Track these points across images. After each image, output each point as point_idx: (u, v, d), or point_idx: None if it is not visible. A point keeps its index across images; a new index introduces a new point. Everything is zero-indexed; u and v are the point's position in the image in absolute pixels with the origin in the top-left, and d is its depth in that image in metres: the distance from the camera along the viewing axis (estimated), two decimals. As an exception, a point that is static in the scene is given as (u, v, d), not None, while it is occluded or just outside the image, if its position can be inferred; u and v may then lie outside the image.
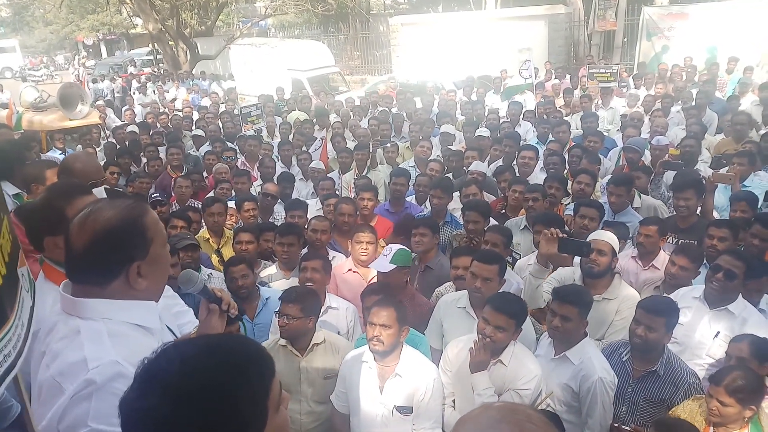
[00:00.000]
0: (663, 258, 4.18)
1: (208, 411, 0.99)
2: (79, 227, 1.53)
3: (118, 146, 8.81)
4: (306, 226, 4.80)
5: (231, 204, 5.64)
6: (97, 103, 13.47)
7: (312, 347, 3.24)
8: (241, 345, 1.13)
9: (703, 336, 3.41)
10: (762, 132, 7.17)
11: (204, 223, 5.20)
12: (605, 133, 8.02)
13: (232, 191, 6.22)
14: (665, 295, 3.72)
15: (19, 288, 1.51)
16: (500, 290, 3.47)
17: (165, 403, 0.98)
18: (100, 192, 2.71)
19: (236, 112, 11.07)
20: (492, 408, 0.96)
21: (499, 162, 6.80)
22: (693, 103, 8.62)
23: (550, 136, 7.82)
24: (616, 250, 3.75)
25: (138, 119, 12.23)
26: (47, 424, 1.41)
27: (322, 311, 3.61)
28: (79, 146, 8.73)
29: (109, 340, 1.46)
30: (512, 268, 4.60)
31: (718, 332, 3.38)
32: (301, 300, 3.20)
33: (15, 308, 1.38)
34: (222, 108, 12.71)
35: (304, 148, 8.21)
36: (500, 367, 2.98)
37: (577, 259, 3.90)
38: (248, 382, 1.05)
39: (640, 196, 5.29)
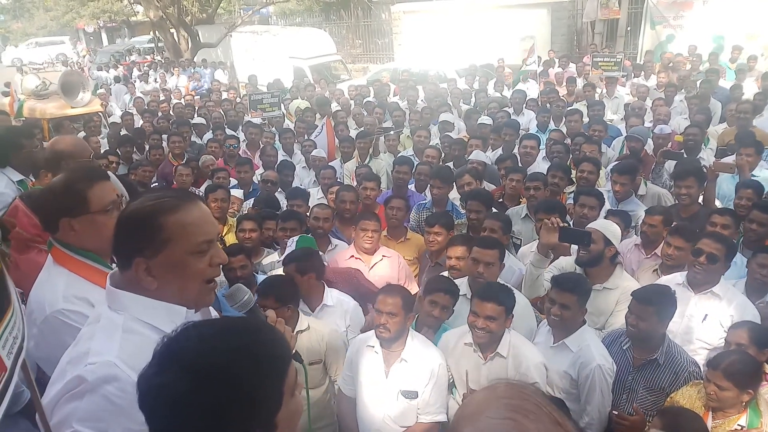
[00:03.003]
0: (666, 246, 4.21)
1: (224, 391, 1.00)
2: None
3: (121, 134, 8.81)
4: (308, 214, 4.81)
5: (233, 192, 5.65)
6: (99, 91, 13.43)
7: (296, 335, 3.25)
8: (258, 329, 1.14)
9: (692, 320, 3.43)
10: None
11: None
12: (609, 123, 8.00)
13: (230, 179, 6.21)
14: (663, 276, 3.75)
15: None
16: (501, 276, 3.54)
17: (182, 381, 1.00)
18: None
19: (239, 99, 11.00)
20: (498, 387, 0.96)
21: (499, 151, 6.80)
22: (696, 92, 8.58)
23: (552, 124, 7.80)
24: (614, 239, 3.73)
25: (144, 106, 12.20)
26: (46, 405, 1.40)
27: (316, 310, 3.63)
28: (81, 133, 8.73)
29: (122, 335, 1.42)
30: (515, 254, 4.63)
31: (706, 315, 3.40)
32: (275, 290, 3.26)
33: (12, 292, 1.40)
34: (224, 95, 12.66)
35: (306, 136, 8.19)
36: (499, 359, 3.01)
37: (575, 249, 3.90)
38: (264, 365, 1.07)
39: (645, 184, 5.30)
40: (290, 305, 3.27)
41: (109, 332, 1.42)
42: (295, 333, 3.22)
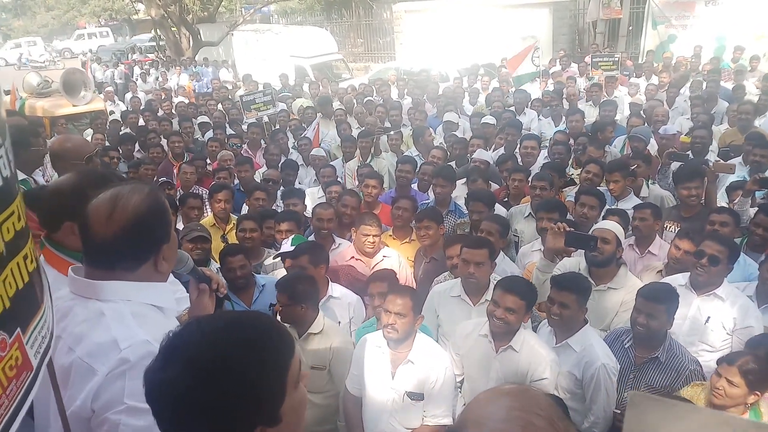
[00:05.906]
0: (659, 244, 4.21)
1: (227, 384, 1.02)
2: (106, 216, 1.53)
3: (122, 132, 8.82)
4: (305, 213, 4.80)
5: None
6: (107, 89, 13.47)
7: (307, 336, 3.24)
8: (262, 322, 1.15)
9: (695, 322, 3.43)
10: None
11: (210, 210, 5.22)
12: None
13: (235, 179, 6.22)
14: (666, 277, 3.72)
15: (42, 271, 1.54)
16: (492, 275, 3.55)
17: (186, 375, 1.01)
18: None
19: (237, 98, 10.98)
20: (506, 392, 0.97)
21: (501, 150, 6.79)
22: (700, 93, 8.57)
23: (562, 125, 7.77)
24: (621, 239, 3.74)
25: (141, 106, 12.23)
26: (81, 404, 1.43)
27: (323, 300, 3.62)
28: (89, 130, 8.76)
29: (134, 320, 1.50)
30: (516, 252, 4.63)
31: (709, 317, 3.40)
32: (288, 288, 3.26)
33: (45, 290, 1.42)
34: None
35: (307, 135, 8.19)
36: (511, 353, 3.02)
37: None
38: (267, 358, 1.07)
39: (648, 186, 5.26)
40: (303, 304, 3.24)
41: (121, 320, 1.50)
42: (306, 334, 3.23)
